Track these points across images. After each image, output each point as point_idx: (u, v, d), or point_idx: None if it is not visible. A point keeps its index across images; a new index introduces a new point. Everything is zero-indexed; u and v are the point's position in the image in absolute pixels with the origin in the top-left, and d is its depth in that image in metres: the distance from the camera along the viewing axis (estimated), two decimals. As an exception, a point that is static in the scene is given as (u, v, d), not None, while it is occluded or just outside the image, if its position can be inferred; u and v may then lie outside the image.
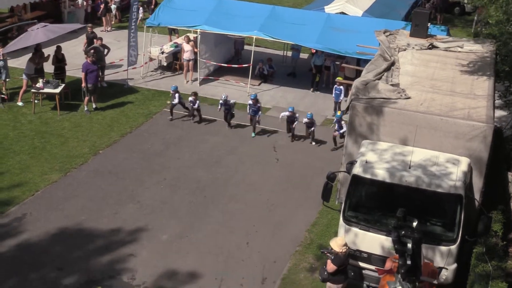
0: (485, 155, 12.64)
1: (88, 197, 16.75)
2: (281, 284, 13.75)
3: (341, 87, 22.39)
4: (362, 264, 12.65)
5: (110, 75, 24.89)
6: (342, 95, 22.30)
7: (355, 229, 12.53)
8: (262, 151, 19.85)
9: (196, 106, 21.47)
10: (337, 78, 23.00)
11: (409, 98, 13.64)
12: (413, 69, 15.54)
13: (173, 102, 21.74)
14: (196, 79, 25.08)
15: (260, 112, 20.91)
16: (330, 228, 15.60)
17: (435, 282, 11.41)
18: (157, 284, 13.55)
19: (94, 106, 22.05)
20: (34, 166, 18.17)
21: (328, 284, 12.22)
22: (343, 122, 18.99)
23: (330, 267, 11.94)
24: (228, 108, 21.24)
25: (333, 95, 22.60)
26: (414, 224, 10.32)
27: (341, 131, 19.35)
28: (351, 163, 13.05)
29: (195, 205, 16.65)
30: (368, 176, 12.42)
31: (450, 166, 12.39)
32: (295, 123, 20.45)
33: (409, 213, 10.44)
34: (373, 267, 12.47)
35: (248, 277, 13.96)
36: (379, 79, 14.55)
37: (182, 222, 15.89)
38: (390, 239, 11.05)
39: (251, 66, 24.22)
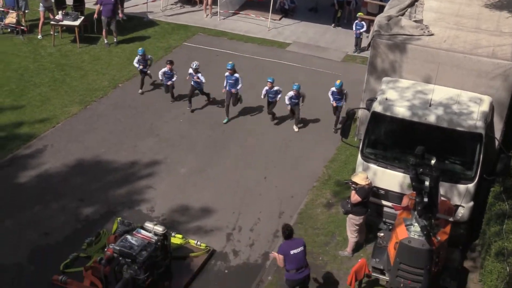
0: (508, 94, 12.44)
1: (108, 130, 16.89)
2: (298, 218, 13.91)
3: (363, 22, 22.00)
4: (379, 201, 12.72)
5: (129, 8, 24.62)
6: (363, 30, 21.95)
7: (373, 166, 12.54)
8: (282, 86, 19.67)
9: (170, 82, 18.24)
10: (359, 13, 22.54)
11: (432, 35, 13.35)
12: (437, 5, 15.15)
13: (142, 69, 18.79)
14: (216, 13, 24.73)
15: (240, 86, 17.31)
16: (348, 165, 15.63)
17: (451, 219, 11.47)
18: (176, 217, 13.79)
19: (114, 40, 21.95)
20: (54, 98, 18.29)
21: (351, 216, 12.32)
22: (344, 91, 16.89)
23: (355, 198, 12.03)
24: (198, 83, 17.72)
25: (354, 29, 22.24)
26: (433, 162, 10.28)
27: (341, 103, 16.98)
28: (371, 100, 12.93)
29: (214, 139, 16.73)
30: (387, 113, 12.32)
31: (472, 105, 12.22)
32: (278, 98, 17.21)
33: (428, 151, 10.38)
34: (390, 204, 12.55)
35: (266, 211, 14.14)
36: (402, 15, 14.23)
37: (201, 156, 16.01)
38: (408, 176, 11.06)
39: (272, 0, 23.77)
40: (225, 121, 17.56)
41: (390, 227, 12.37)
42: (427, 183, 10.14)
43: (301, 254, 10.71)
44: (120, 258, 11.32)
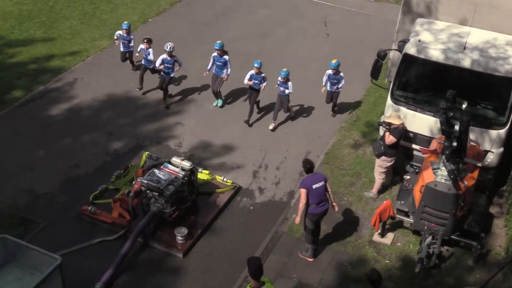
0: (547, 38, 12.08)
1: (137, 65, 16.90)
2: (324, 158, 13.94)
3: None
4: (407, 144, 12.65)
5: None
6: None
7: (402, 109, 12.40)
8: (312, 25, 19.42)
9: (157, 65, 15.07)
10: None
11: None
12: None
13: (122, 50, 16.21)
14: None
15: (229, 70, 15.14)
16: (377, 107, 15.50)
17: (479, 164, 11.38)
18: (203, 153, 13.92)
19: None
20: (84, 32, 18.30)
21: (383, 157, 12.26)
22: (342, 74, 14.82)
23: (390, 139, 11.94)
24: (169, 70, 15.08)
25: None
26: (464, 106, 10.13)
27: (340, 86, 14.91)
28: (404, 42, 12.66)
29: (243, 76, 16.61)
30: (420, 56, 12.08)
31: (509, 49, 11.91)
32: (263, 85, 14.73)
33: (460, 95, 10.21)
34: (417, 147, 12.48)
35: (292, 150, 14.17)
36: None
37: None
38: (437, 120, 10.94)
39: None
40: (215, 104, 15.56)
41: (417, 170, 12.35)
42: (457, 127, 10.02)
43: (322, 188, 10.81)
44: (148, 192, 11.54)
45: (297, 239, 11.68)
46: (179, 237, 11.38)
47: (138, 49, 15.61)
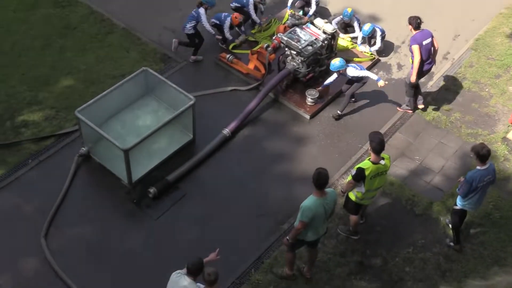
0: None
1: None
2: (473, 44, 13.10)
3: None
4: None
5: None
6: None
7: None
8: None
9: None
10: None
11: None
12: None
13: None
14: None
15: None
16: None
17: None
18: (347, 18, 13.54)
19: None
20: None
21: None
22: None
23: None
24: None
25: None
26: None
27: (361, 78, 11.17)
28: None
29: None
30: None
31: None
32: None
33: None
34: None
35: (440, 30, 13.27)
36: None
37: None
38: None
39: None
40: None
41: None
42: None
43: (430, 45, 10.70)
44: (286, 49, 11.56)
45: (427, 122, 11.39)
46: (310, 99, 11.46)
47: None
